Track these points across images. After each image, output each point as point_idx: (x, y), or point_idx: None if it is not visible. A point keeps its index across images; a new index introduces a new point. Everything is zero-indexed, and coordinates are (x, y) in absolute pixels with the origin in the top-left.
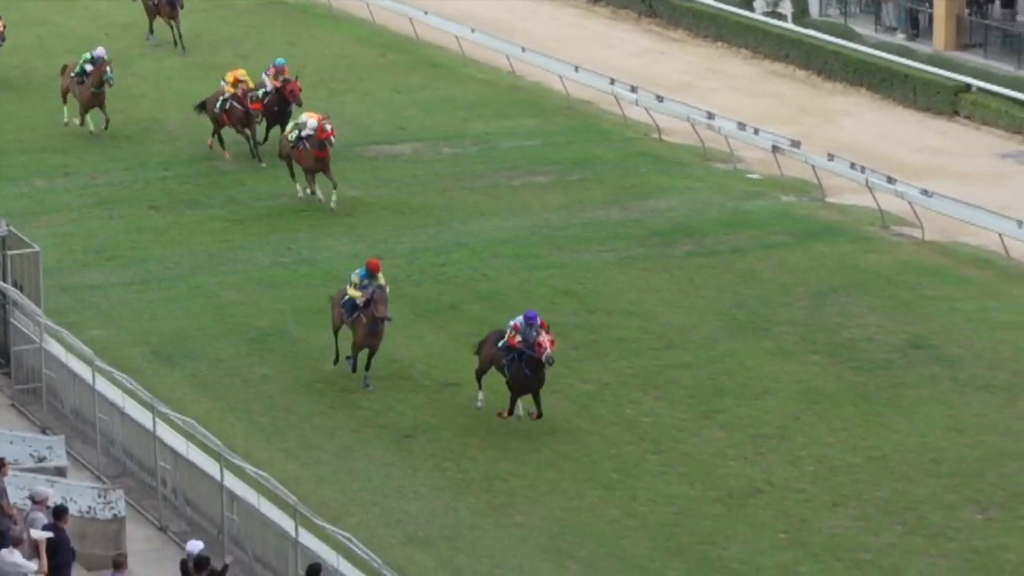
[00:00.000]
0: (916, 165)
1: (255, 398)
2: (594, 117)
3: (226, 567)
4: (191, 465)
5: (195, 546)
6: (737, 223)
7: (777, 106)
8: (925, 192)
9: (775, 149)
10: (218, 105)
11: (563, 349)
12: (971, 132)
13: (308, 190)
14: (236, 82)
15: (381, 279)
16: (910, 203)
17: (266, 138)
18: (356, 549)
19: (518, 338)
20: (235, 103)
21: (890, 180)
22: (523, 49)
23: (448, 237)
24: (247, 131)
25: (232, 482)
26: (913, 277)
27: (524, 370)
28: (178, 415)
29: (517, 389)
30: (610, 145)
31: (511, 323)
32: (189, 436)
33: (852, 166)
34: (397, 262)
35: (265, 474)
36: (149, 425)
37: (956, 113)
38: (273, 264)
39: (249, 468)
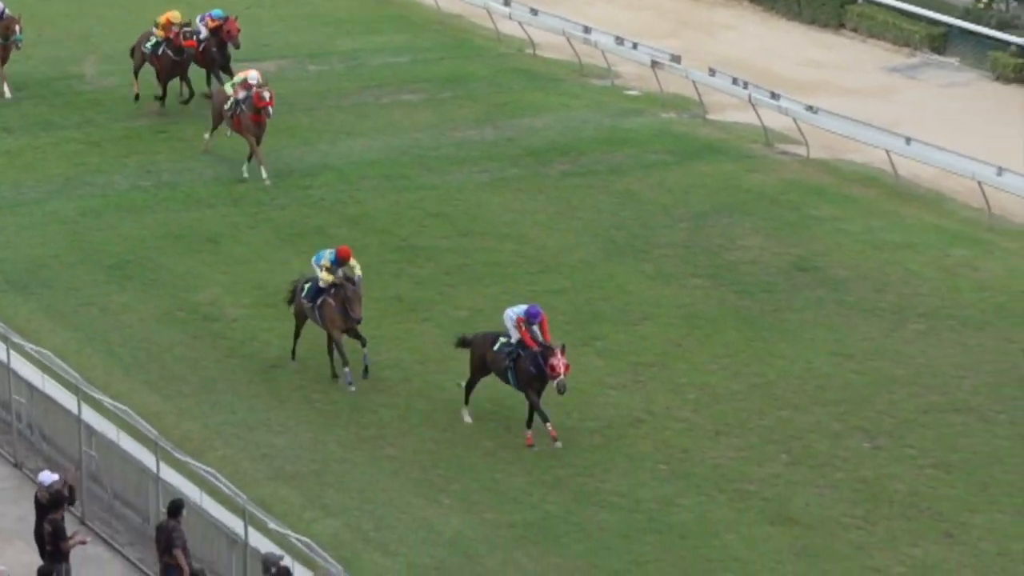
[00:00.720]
0: (801, 80)
1: (114, 328)
2: (466, 32)
3: (72, 492)
4: (47, 399)
5: (47, 477)
6: (615, 141)
7: (656, 19)
8: (810, 108)
9: (654, 64)
10: (148, 46)
11: (435, 274)
12: (857, 45)
13: (248, 161)
14: (168, 24)
15: (354, 267)
16: (794, 119)
17: (209, 85)
18: (220, 485)
19: (528, 333)
20: (168, 49)
21: (774, 96)
22: None
23: (314, 159)
24: (165, 81)
25: (90, 416)
26: (798, 197)
27: (530, 368)
28: (33, 346)
29: (522, 384)
30: (483, 61)
31: (512, 316)
32: (45, 368)
33: (734, 81)
34: (261, 185)
35: (125, 407)
36: (3, 357)
37: (842, 26)
38: (132, 188)
39: (108, 401)
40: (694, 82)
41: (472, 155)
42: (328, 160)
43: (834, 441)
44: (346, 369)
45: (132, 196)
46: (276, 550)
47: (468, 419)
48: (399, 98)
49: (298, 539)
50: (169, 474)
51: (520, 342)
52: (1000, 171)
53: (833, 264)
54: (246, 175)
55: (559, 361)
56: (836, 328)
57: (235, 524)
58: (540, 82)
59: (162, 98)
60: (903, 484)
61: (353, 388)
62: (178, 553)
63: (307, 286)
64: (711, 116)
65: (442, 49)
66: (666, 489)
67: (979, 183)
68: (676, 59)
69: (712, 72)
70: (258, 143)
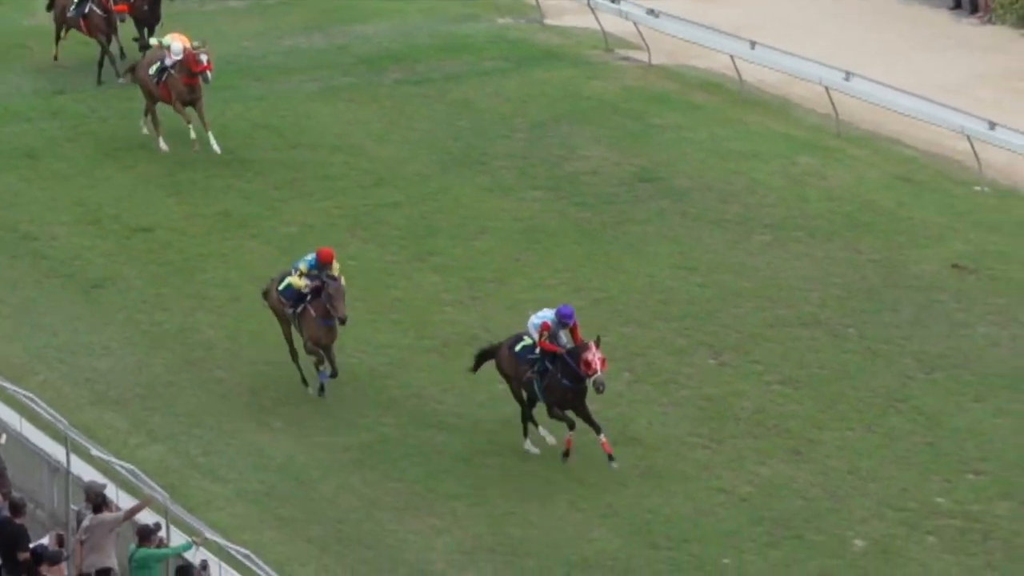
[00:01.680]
0: None
1: None
2: None
3: None
4: None
5: None
6: (450, 48)
7: None
8: (651, 12)
9: None
10: (73, 7)
11: (264, 188)
12: None
13: (153, 130)
14: None
15: (335, 270)
16: (635, 24)
17: (141, 46)
18: (41, 410)
19: (549, 339)
20: (95, 7)
21: (613, 0)
22: None
23: None
24: (104, 39)
25: None
26: (639, 105)
27: (562, 381)
28: None
29: (554, 403)
30: None
31: (537, 322)
32: None
33: None
34: (81, 96)
35: None
36: None
37: None
38: None
39: None
40: None
41: (301, 64)
42: None
43: (678, 358)
44: (322, 368)
45: None
46: (100, 478)
47: (533, 448)
48: (223, 5)
49: (122, 466)
50: None
51: (544, 352)
52: (848, 76)
53: (676, 174)
54: (145, 129)
55: (594, 356)
56: (680, 240)
57: (57, 451)
58: None
59: (105, 51)
60: (749, 401)
61: (321, 392)
62: None
63: (287, 286)
64: (549, 21)
65: None
66: (505, 410)
67: (826, 88)
68: None
69: None
70: (196, 108)
